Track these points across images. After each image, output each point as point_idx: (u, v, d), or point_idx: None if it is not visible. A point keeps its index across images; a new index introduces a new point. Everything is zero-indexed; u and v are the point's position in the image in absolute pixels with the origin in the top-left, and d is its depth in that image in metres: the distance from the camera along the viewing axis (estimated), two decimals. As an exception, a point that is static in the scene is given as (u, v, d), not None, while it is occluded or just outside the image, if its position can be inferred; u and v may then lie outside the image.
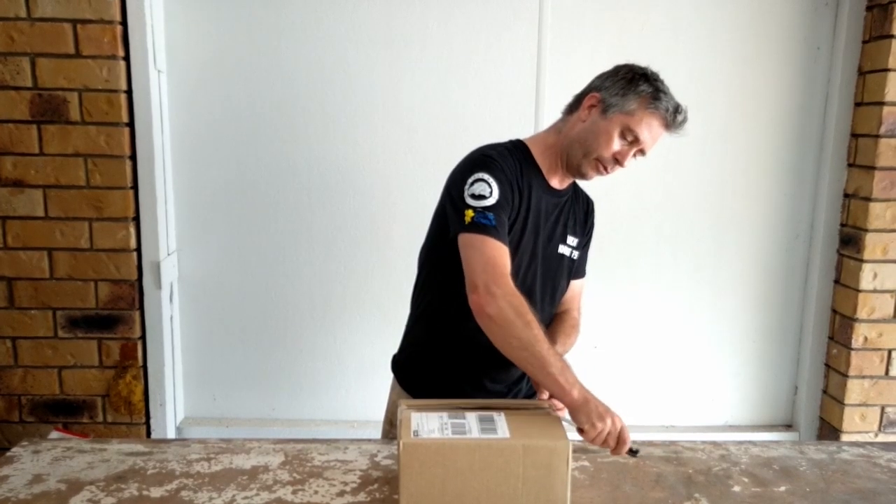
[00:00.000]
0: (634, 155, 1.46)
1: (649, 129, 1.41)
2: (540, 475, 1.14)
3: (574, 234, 1.58)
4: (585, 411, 1.28)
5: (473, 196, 1.37)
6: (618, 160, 1.44)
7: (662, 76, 1.48)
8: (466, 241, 1.36)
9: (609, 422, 1.27)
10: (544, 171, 1.51)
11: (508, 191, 1.40)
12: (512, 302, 1.30)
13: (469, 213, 1.36)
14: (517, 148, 1.51)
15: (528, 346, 1.29)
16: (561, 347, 1.52)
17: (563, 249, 1.55)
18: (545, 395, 1.39)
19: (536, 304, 1.50)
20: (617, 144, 1.43)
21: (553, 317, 1.63)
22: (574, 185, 1.61)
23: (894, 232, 2.24)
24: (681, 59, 2.31)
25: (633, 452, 1.35)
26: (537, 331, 1.30)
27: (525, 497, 1.14)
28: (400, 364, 1.65)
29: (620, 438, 1.29)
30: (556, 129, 1.54)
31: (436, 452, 1.14)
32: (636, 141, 1.42)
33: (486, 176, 1.39)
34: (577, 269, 1.64)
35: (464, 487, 1.14)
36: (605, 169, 1.46)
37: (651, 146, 1.45)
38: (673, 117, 1.42)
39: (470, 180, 1.39)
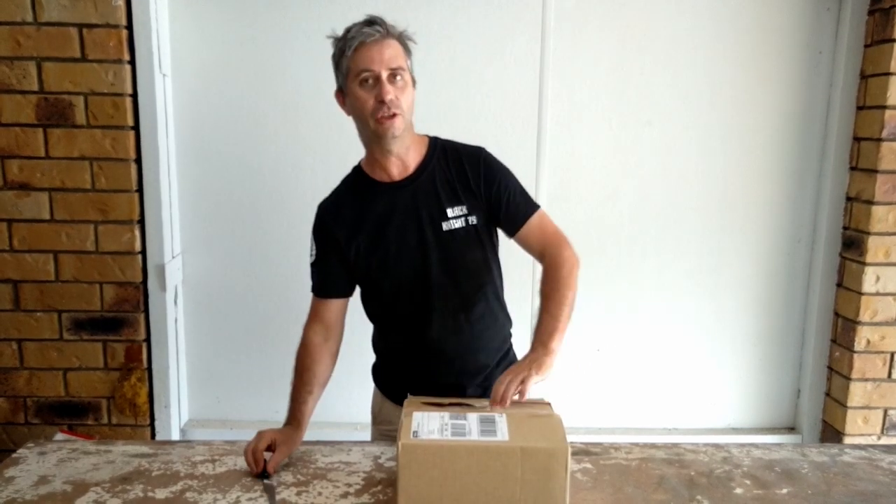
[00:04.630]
0: (393, 79, 1.44)
1: (367, 60, 1.43)
2: (538, 479, 1.13)
3: (456, 203, 1.53)
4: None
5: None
6: (382, 101, 1.44)
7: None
8: None
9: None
10: (375, 175, 1.56)
11: (324, 241, 1.57)
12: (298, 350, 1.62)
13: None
14: (349, 178, 1.63)
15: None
16: (560, 300, 1.45)
17: (448, 225, 1.52)
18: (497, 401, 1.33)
19: (441, 289, 1.52)
20: (369, 94, 1.45)
21: (543, 273, 1.53)
22: (429, 159, 1.57)
23: (897, 235, 2.25)
24: (683, 64, 2.32)
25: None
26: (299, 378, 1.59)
27: (523, 501, 1.14)
28: (374, 369, 1.74)
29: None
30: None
31: (434, 454, 1.14)
32: (375, 77, 1.43)
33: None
34: (509, 218, 1.56)
35: (462, 490, 1.14)
36: (385, 117, 1.45)
37: (389, 64, 1.43)
38: (367, 33, 1.43)
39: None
